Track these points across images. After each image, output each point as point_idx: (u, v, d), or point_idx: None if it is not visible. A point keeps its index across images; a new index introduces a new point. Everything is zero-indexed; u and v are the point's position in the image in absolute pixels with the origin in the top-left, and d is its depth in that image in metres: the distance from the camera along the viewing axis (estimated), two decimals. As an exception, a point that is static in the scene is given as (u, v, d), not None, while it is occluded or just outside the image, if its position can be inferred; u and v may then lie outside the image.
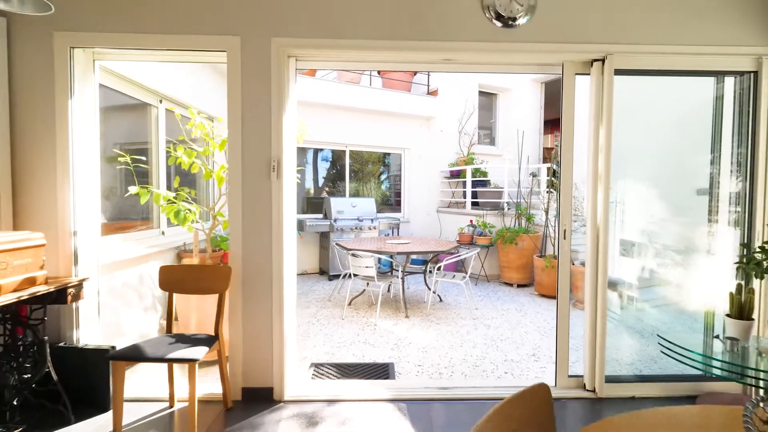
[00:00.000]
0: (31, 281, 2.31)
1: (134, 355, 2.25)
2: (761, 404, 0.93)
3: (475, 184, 8.12)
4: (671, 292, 4.06)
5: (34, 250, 2.34)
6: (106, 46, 2.69)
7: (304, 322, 4.75)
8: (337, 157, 8.44)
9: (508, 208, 7.46)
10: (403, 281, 5.44)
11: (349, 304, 5.52)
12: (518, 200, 7.34)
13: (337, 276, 6.94)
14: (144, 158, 3.61)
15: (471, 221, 7.44)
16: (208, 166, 3.72)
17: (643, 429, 1.17)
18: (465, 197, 8.26)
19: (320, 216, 7.57)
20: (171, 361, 2.23)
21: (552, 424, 1.05)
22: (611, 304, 4.41)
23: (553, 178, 6.68)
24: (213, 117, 5.04)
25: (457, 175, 8.59)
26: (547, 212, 6.57)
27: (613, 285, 4.54)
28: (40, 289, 2.30)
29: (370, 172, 9.05)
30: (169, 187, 4.22)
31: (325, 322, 4.80)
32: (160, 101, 4.15)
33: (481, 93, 9.31)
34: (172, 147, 3.50)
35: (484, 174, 8.24)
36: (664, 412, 1.22)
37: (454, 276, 5.50)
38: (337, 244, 5.85)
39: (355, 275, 5.22)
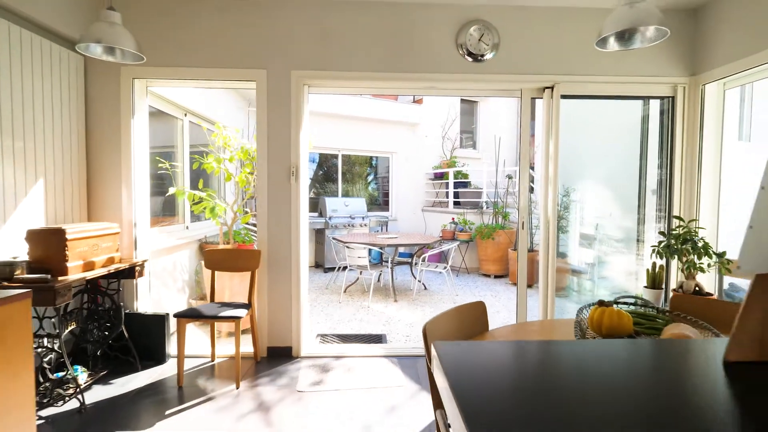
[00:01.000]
0: (111, 260, 3.02)
1: (194, 314, 2.97)
2: (585, 310, 1.67)
3: (456, 185, 8.92)
4: (619, 275, 4.88)
5: (112, 237, 3.05)
6: (160, 77, 3.40)
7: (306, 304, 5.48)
8: (324, 159, 9.16)
9: (487, 207, 8.27)
10: (392, 271, 6.20)
11: (345, 291, 6.26)
12: (495, 200, 8.16)
13: (332, 269, 7.66)
14: (178, 164, 4.32)
15: (453, 219, 8.22)
16: (229, 171, 4.44)
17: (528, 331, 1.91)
18: (447, 197, 9.05)
19: (315, 214, 8.29)
20: (222, 319, 2.95)
21: (486, 324, 1.80)
22: (573, 286, 5.25)
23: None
24: (225, 126, 5.74)
25: (440, 176, 9.38)
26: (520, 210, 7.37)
27: (576, 272, 5.38)
28: (120, 266, 3.01)
29: (358, 173, 9.81)
30: (191, 187, 4.92)
31: (324, 305, 5.53)
32: (185, 114, 4.84)
33: (462, 101, 10.13)
34: (205, 155, 4.21)
35: (465, 176, 9.04)
36: (548, 321, 1.96)
37: (437, 266, 6.27)
38: (333, 238, 6.59)
39: (350, 266, 5.96)
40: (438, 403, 1.35)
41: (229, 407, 2.73)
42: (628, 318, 1.44)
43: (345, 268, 6.20)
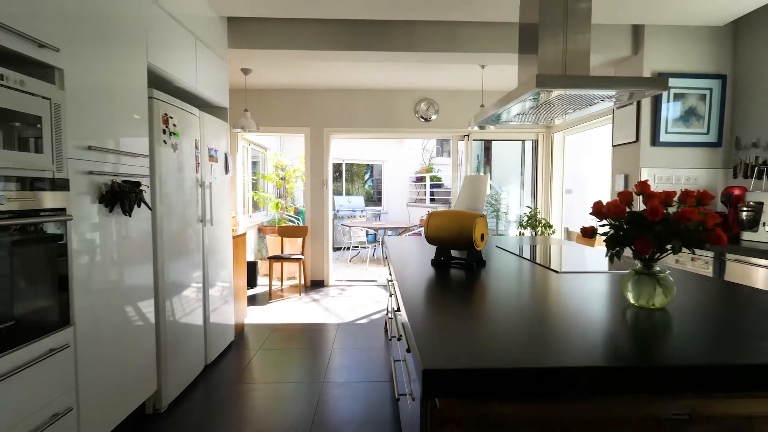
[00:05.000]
0: (234, 231, 5.87)
1: (278, 257, 5.84)
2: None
3: (432, 186, 11.79)
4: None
5: (234, 218, 5.90)
6: (251, 133, 6.25)
7: (326, 267, 8.34)
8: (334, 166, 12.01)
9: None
10: (383, 247, 9.07)
11: (350, 260, 9.13)
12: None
13: (339, 248, 10.52)
14: (253, 177, 7.18)
15: (428, 211, 11.09)
16: (280, 181, 7.30)
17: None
18: (426, 195, 11.92)
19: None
20: (293, 260, 5.82)
21: (412, 247, 4.67)
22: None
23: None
24: (266, 148, 8.60)
25: (420, 179, 12.25)
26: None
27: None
28: (239, 233, 5.87)
29: (356, 173, 12.68)
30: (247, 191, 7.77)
31: (336, 269, 8.39)
32: (249, 144, 7.68)
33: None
34: (275, 174, 7.08)
35: (439, 179, 11.90)
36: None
37: (413, 243, 9.14)
38: (342, 224, 9.48)
39: (353, 244, 8.81)
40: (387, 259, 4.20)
41: (298, 300, 5.60)
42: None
43: (349, 248, 9.05)
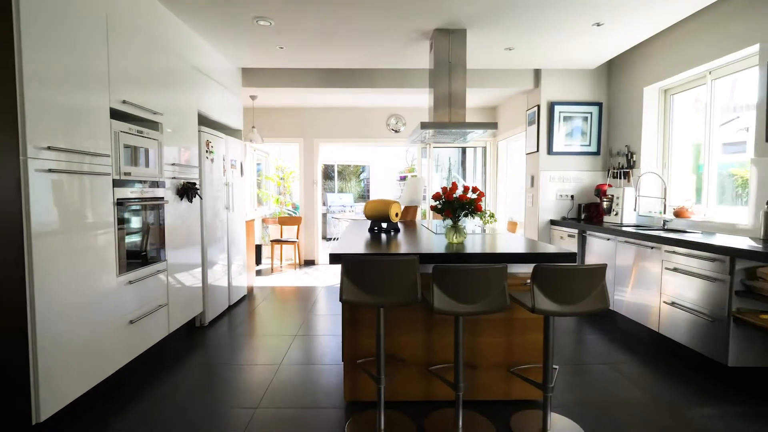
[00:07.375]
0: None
1: (279, 240, 7.47)
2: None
3: (414, 184, 13.41)
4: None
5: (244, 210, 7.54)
6: (259, 144, 7.88)
7: (318, 252, 9.98)
8: (326, 168, 13.62)
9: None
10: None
11: (339, 247, 10.76)
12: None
13: (331, 239, 12.14)
14: (258, 177, 8.83)
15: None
16: (280, 181, 8.94)
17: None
18: (408, 192, 13.55)
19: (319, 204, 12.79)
20: (291, 242, 7.45)
21: (377, 230, 6.29)
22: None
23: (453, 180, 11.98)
24: (268, 153, 10.22)
25: (404, 179, 13.87)
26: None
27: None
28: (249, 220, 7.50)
29: (353, 172, 14.31)
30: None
31: (327, 253, 10.01)
32: (254, 150, 9.30)
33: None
34: (276, 175, 8.72)
35: (420, 178, 13.52)
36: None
37: (393, 233, 10.78)
38: (333, 217, 11.12)
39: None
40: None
41: (294, 273, 7.24)
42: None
43: (338, 239, 10.69)
